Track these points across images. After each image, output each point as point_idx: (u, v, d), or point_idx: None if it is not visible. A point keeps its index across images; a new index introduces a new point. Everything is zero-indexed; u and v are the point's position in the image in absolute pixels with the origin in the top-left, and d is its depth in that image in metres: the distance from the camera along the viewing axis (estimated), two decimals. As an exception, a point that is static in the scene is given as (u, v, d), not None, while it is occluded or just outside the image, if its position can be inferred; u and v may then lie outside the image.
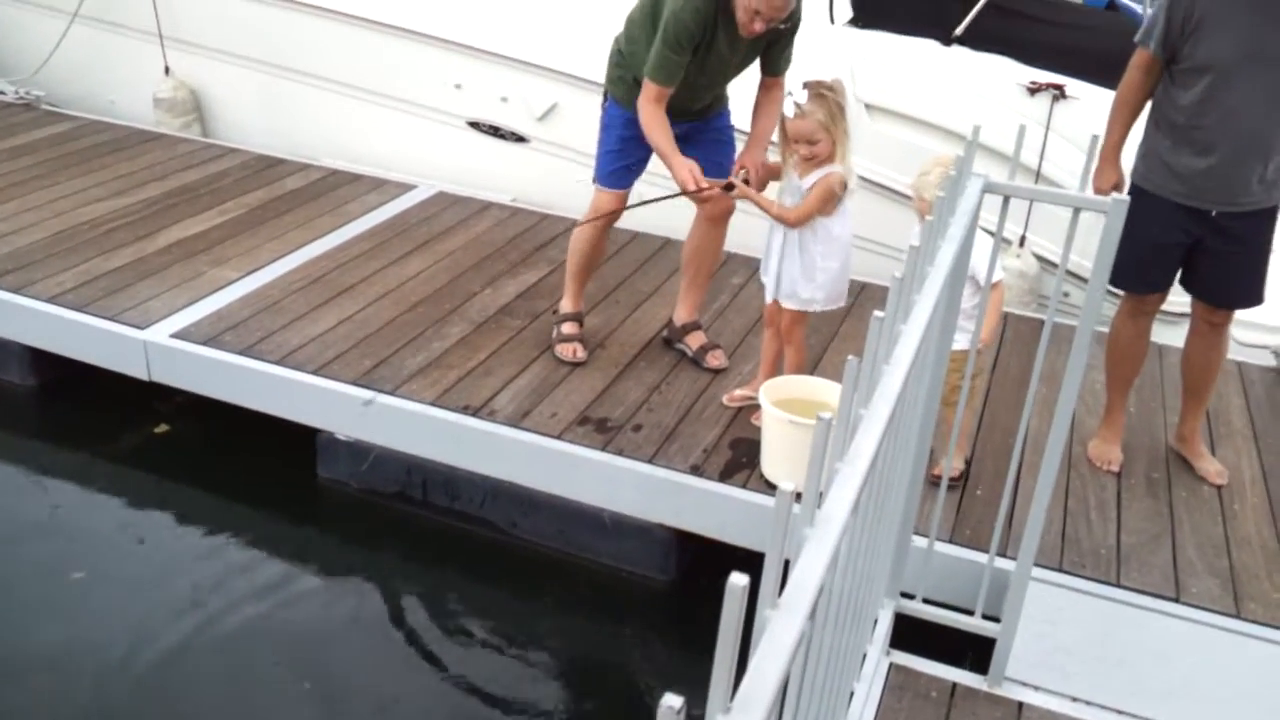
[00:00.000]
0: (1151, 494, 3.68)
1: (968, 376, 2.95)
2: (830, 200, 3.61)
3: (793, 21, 3.75)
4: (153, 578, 3.67)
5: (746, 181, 3.74)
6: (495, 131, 5.92)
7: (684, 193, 3.75)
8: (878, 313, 1.78)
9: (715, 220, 4.17)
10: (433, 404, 3.89)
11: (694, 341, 4.33)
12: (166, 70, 6.60)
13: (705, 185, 3.71)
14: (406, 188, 5.89)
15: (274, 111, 6.60)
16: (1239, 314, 5.07)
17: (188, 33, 6.60)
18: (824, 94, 3.52)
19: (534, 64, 5.68)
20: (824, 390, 3.58)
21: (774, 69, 3.90)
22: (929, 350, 2.49)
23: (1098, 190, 3.74)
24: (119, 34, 6.76)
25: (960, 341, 3.31)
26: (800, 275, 3.75)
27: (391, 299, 4.64)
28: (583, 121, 5.64)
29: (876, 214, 5.04)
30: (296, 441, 4.12)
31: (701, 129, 4.01)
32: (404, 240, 5.24)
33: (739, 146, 4.03)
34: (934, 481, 3.51)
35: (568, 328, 4.34)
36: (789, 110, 3.53)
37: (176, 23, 6.60)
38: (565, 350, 4.27)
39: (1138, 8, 11.80)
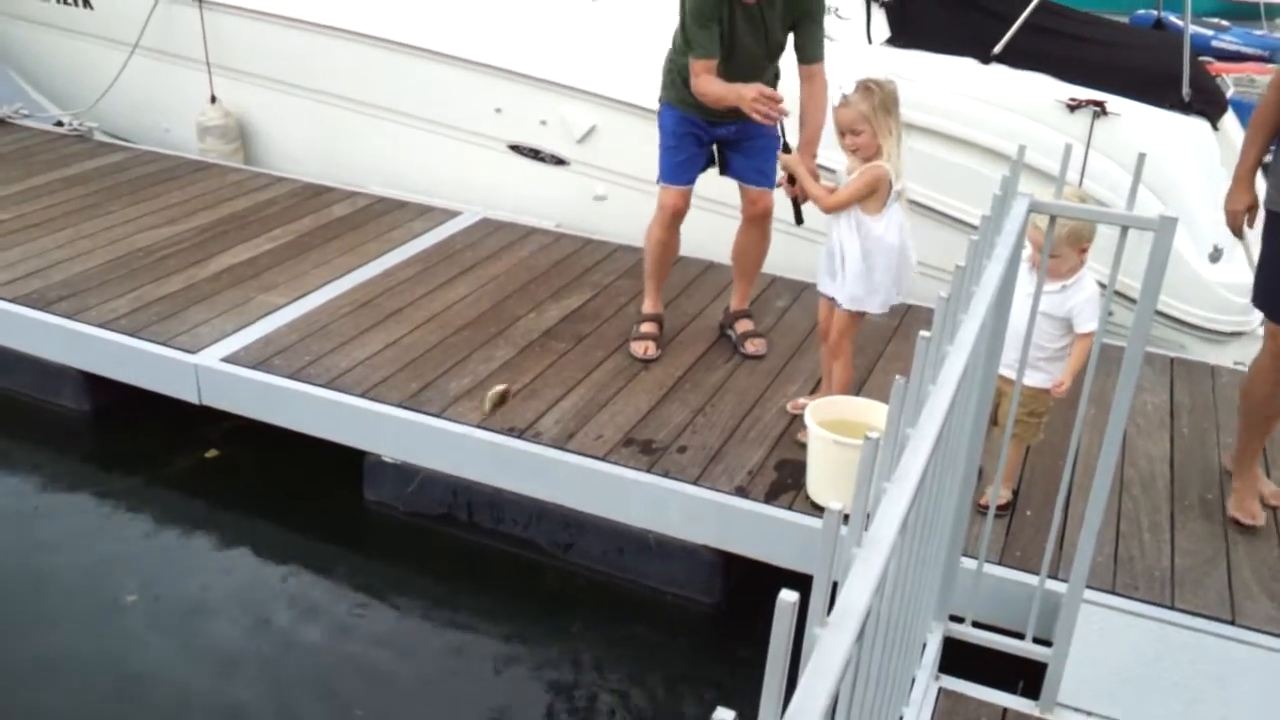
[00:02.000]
0: (1206, 516, 3.62)
1: (1012, 413, 2.93)
2: (871, 193, 3.64)
3: (812, 4, 4.00)
4: (203, 602, 3.71)
5: (792, 181, 3.86)
6: (536, 154, 5.97)
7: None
8: (924, 333, 1.78)
9: (755, 220, 4.45)
10: (478, 426, 3.91)
11: (740, 328, 4.63)
12: (213, 99, 6.71)
13: (777, 98, 3.85)
14: (451, 214, 5.95)
15: (320, 138, 6.69)
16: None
17: (235, 60, 6.71)
18: (870, 88, 3.60)
19: (573, 87, 5.73)
20: (870, 411, 3.56)
21: (807, 55, 4.09)
22: (976, 370, 2.48)
23: (1230, 213, 3.65)
24: (173, 63, 6.89)
25: (1037, 379, 3.30)
26: (841, 271, 3.78)
27: (437, 323, 4.68)
28: (622, 143, 5.70)
29: (919, 234, 4.99)
30: (344, 465, 4.16)
31: (747, 133, 4.20)
32: (449, 265, 5.29)
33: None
34: (981, 510, 3.49)
35: (645, 327, 4.59)
36: (836, 99, 3.65)
37: (224, 51, 6.71)
38: (637, 347, 4.50)
39: (1196, 29, 11.65)
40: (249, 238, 5.49)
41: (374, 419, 4.01)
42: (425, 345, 4.47)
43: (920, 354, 1.79)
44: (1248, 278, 5.01)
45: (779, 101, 3.84)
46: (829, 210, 3.72)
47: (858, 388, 4.21)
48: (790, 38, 4.13)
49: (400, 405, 4.02)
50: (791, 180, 3.88)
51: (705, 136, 4.29)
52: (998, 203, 2.34)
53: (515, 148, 6.05)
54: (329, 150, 6.70)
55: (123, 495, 4.24)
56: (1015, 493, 3.66)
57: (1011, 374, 3.39)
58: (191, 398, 4.34)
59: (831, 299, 3.84)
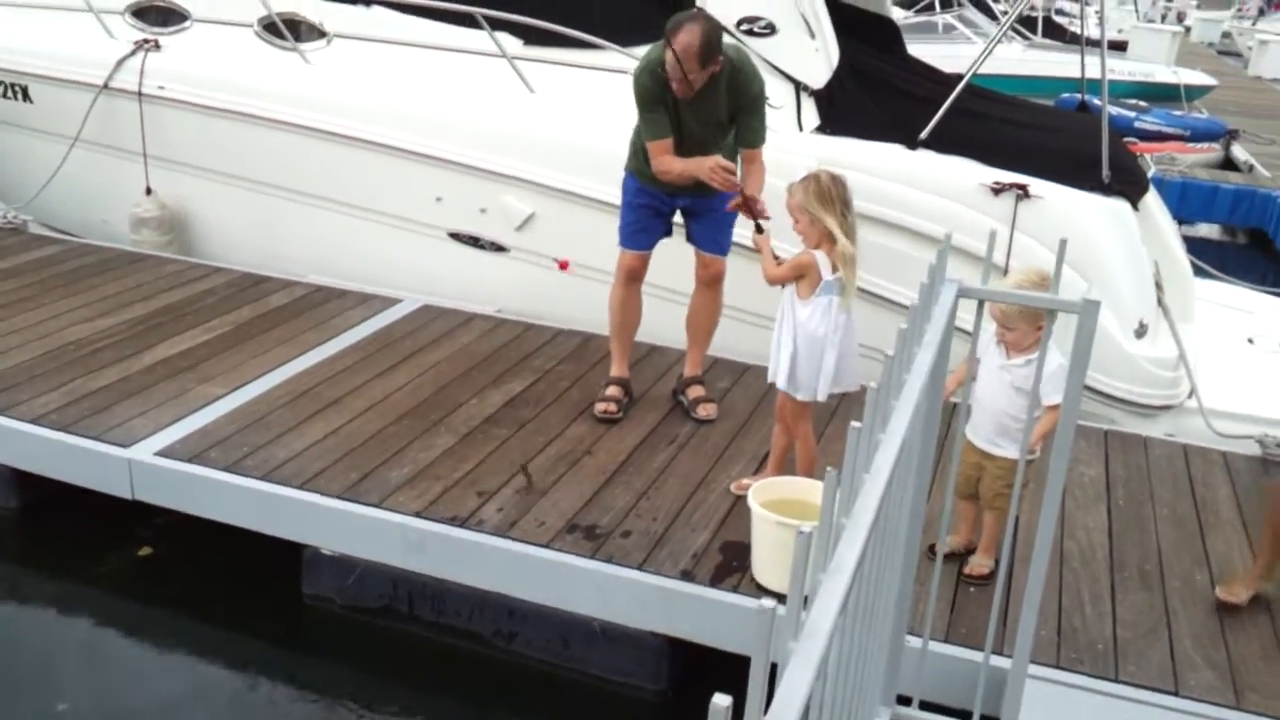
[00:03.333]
0: (1145, 586, 3.67)
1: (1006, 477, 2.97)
2: (798, 277, 3.80)
3: (749, 95, 4.26)
4: (137, 709, 3.60)
5: (761, 229, 4.05)
6: (475, 242, 6.00)
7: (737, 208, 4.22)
8: (854, 423, 1.80)
9: (709, 284, 4.67)
10: (418, 515, 3.86)
11: (692, 394, 4.78)
12: (148, 190, 6.68)
13: (731, 169, 4.20)
14: (392, 301, 5.94)
15: (259, 228, 6.67)
16: (1220, 404, 5.15)
17: (173, 152, 6.69)
18: (807, 179, 3.80)
19: (512, 176, 5.79)
20: (814, 491, 3.57)
21: (746, 141, 4.36)
22: (912, 455, 2.51)
23: None
24: (111, 156, 6.85)
25: (1013, 451, 3.38)
26: (775, 349, 3.91)
27: (377, 411, 4.64)
28: (559, 230, 5.76)
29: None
30: (282, 558, 4.08)
31: (702, 205, 4.49)
32: (389, 353, 5.27)
33: None
34: (968, 580, 3.52)
35: (610, 390, 4.76)
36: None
37: (162, 143, 6.70)
38: (599, 407, 4.69)
39: (1119, 110, 12.08)
40: (185, 329, 5.43)
41: (312, 511, 3.95)
42: (365, 434, 4.43)
43: (852, 443, 1.81)
44: (1173, 351, 5.17)
45: (732, 172, 4.15)
46: (769, 281, 3.92)
47: (792, 468, 4.22)
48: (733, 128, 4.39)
49: (339, 496, 3.97)
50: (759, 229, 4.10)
51: (664, 207, 4.57)
52: (925, 290, 2.39)
53: (455, 235, 6.07)
54: (267, 240, 6.68)
55: (54, 598, 4.12)
56: (997, 562, 3.67)
57: (989, 447, 3.45)
58: (124, 493, 4.24)
59: None
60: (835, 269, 3.79)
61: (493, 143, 5.85)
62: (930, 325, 2.38)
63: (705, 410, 4.69)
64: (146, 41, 6.68)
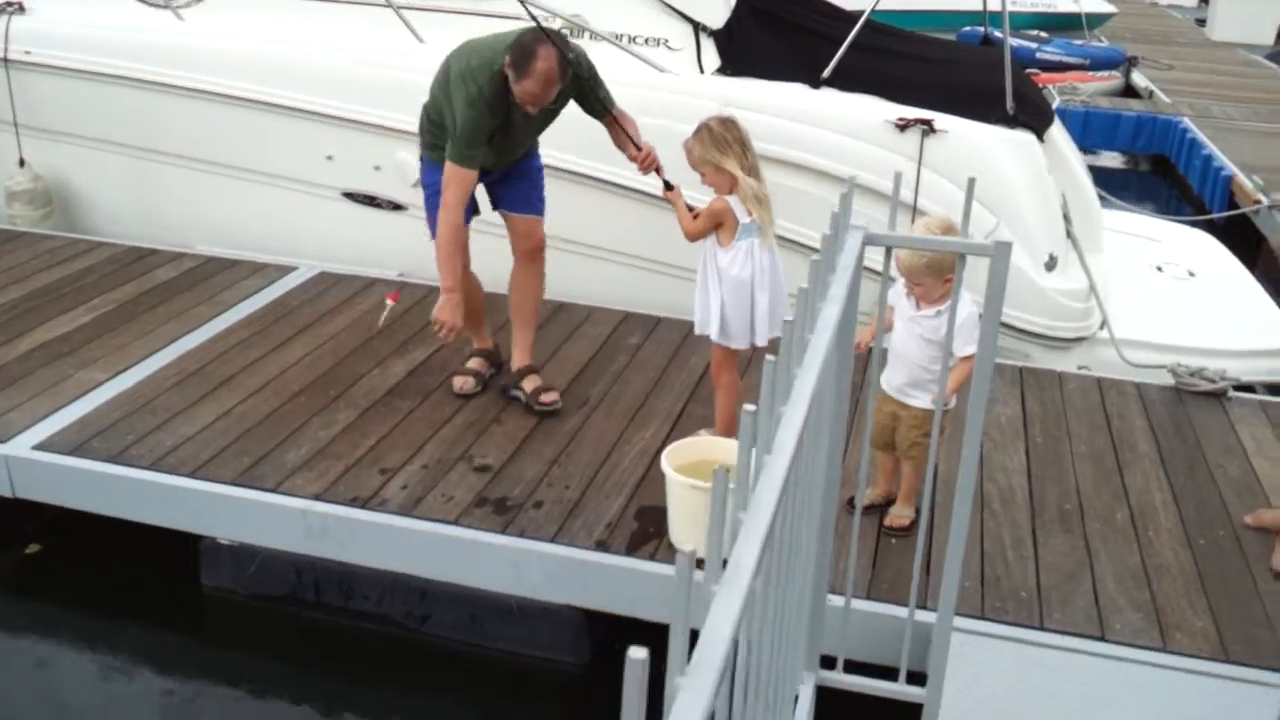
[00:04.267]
0: (1066, 529, 3.63)
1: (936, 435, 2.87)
2: (716, 225, 3.70)
3: (584, 77, 3.94)
4: (36, 712, 3.39)
5: (670, 186, 3.91)
6: (371, 201, 5.75)
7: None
8: (770, 357, 1.70)
9: (529, 255, 4.28)
10: (318, 498, 3.67)
11: (529, 384, 4.32)
12: (21, 162, 6.29)
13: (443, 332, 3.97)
14: (286, 270, 5.67)
15: (143, 198, 6.33)
16: (1132, 334, 5.15)
17: (47, 120, 6.31)
18: (700, 129, 3.69)
19: (403, 130, 5.53)
20: (727, 450, 3.45)
21: (600, 112, 4.10)
22: (824, 405, 2.39)
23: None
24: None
25: (924, 401, 3.30)
26: (699, 303, 3.82)
27: (273, 389, 4.42)
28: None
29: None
30: (178, 549, 3.86)
31: (513, 169, 4.20)
32: (285, 325, 5.02)
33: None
34: (889, 532, 3.45)
35: (470, 363, 4.48)
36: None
37: (36, 111, 6.31)
38: (455, 382, 4.40)
39: (1020, 42, 12.02)
40: (63, 310, 5.12)
41: (204, 500, 3.74)
42: (259, 415, 4.20)
43: (768, 378, 1.70)
44: (1083, 283, 5.14)
45: (655, 163, 4.00)
46: (689, 238, 3.79)
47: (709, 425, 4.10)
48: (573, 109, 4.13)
49: (232, 483, 3.76)
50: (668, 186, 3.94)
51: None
52: (828, 240, 2.25)
53: (350, 195, 5.82)
54: (153, 210, 6.34)
55: (-68, 605, 3.87)
56: (917, 511, 3.59)
57: (902, 398, 3.36)
58: (3, 490, 3.98)
59: None
60: (749, 212, 3.67)
61: (382, 96, 5.59)
62: (835, 276, 2.25)
63: (547, 399, 4.24)
64: (10, 4, 6.27)
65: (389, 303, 4.48)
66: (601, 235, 5.42)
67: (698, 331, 3.82)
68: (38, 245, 5.94)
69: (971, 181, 2.61)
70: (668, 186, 3.89)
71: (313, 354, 4.73)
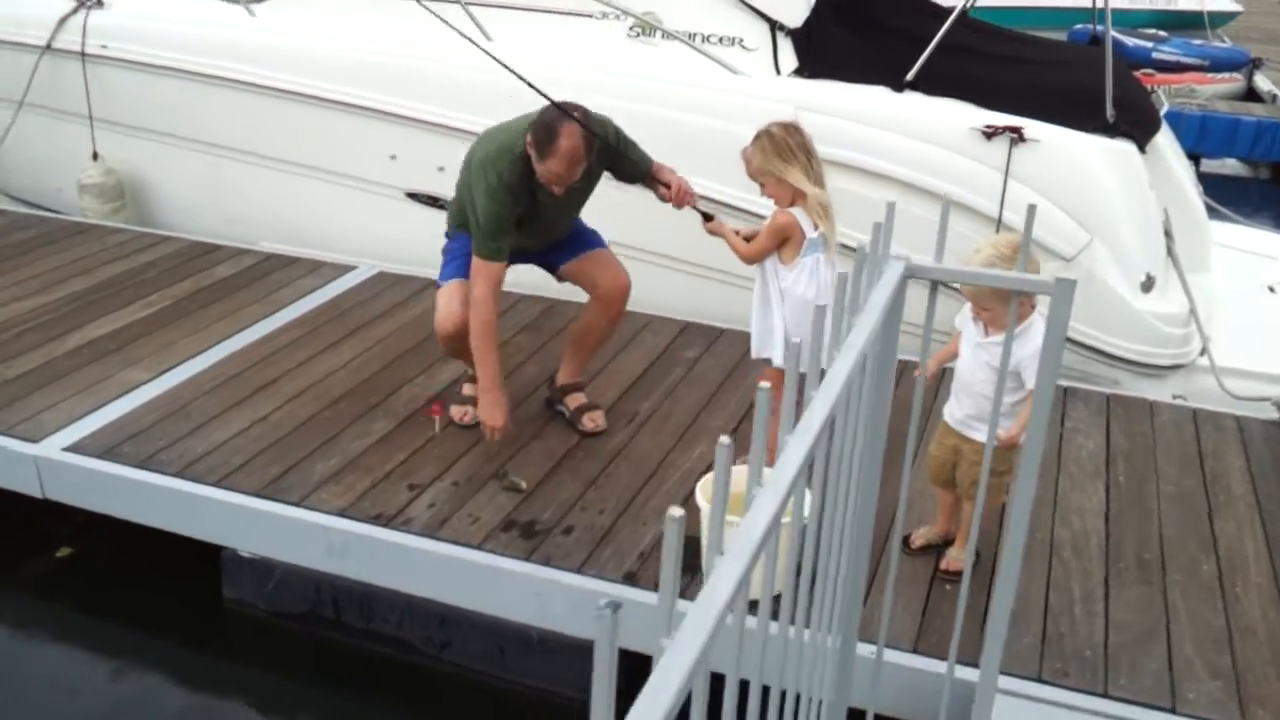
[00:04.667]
0: (1143, 579, 3.28)
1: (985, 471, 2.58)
2: (782, 241, 3.43)
3: (611, 147, 3.69)
4: (57, 715, 3.31)
5: (709, 217, 3.65)
6: (434, 202, 5.61)
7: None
8: (763, 384, 1.48)
9: (611, 301, 3.94)
10: (342, 513, 3.52)
11: (573, 402, 4.10)
12: (95, 155, 6.31)
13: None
14: (345, 269, 5.57)
15: (212, 193, 6.31)
16: (1235, 362, 4.73)
17: (121, 114, 6.33)
18: (760, 136, 3.43)
19: (468, 130, 5.37)
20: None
21: (642, 172, 3.82)
22: (847, 437, 2.13)
23: None
24: (59, 120, 6.49)
25: (986, 434, 3.00)
26: (757, 324, 3.57)
27: (312, 394, 4.28)
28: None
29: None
30: (203, 559, 3.75)
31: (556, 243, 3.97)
32: (336, 326, 4.90)
33: None
34: (945, 576, 3.17)
35: (468, 388, 4.15)
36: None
37: (110, 105, 6.33)
38: (457, 411, 4.08)
39: (1136, 41, 11.37)
40: (121, 305, 5.08)
41: (227, 510, 3.61)
42: (295, 422, 4.07)
43: (762, 404, 1.52)
44: (1183, 306, 4.73)
45: (687, 197, 3.73)
46: (748, 262, 3.53)
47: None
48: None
49: (256, 494, 3.62)
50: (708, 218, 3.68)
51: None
52: (857, 265, 1.99)
53: (413, 195, 5.69)
54: (221, 206, 6.32)
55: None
56: (978, 555, 3.28)
57: (966, 430, 3.07)
58: (35, 492, 3.92)
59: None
60: (815, 225, 3.40)
61: (446, 95, 5.45)
62: (866, 311, 1.99)
63: (593, 420, 4.01)
64: (89, -1, 6.30)
65: (435, 419, 4.05)
66: (662, 241, 5.19)
67: (755, 355, 3.57)
68: (106, 239, 5.94)
69: (1031, 209, 2.30)
70: (707, 218, 3.62)
71: (360, 358, 4.60)
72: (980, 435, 3.07)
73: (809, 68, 5.01)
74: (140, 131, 6.35)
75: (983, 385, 3.02)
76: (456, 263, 3.82)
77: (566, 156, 3.44)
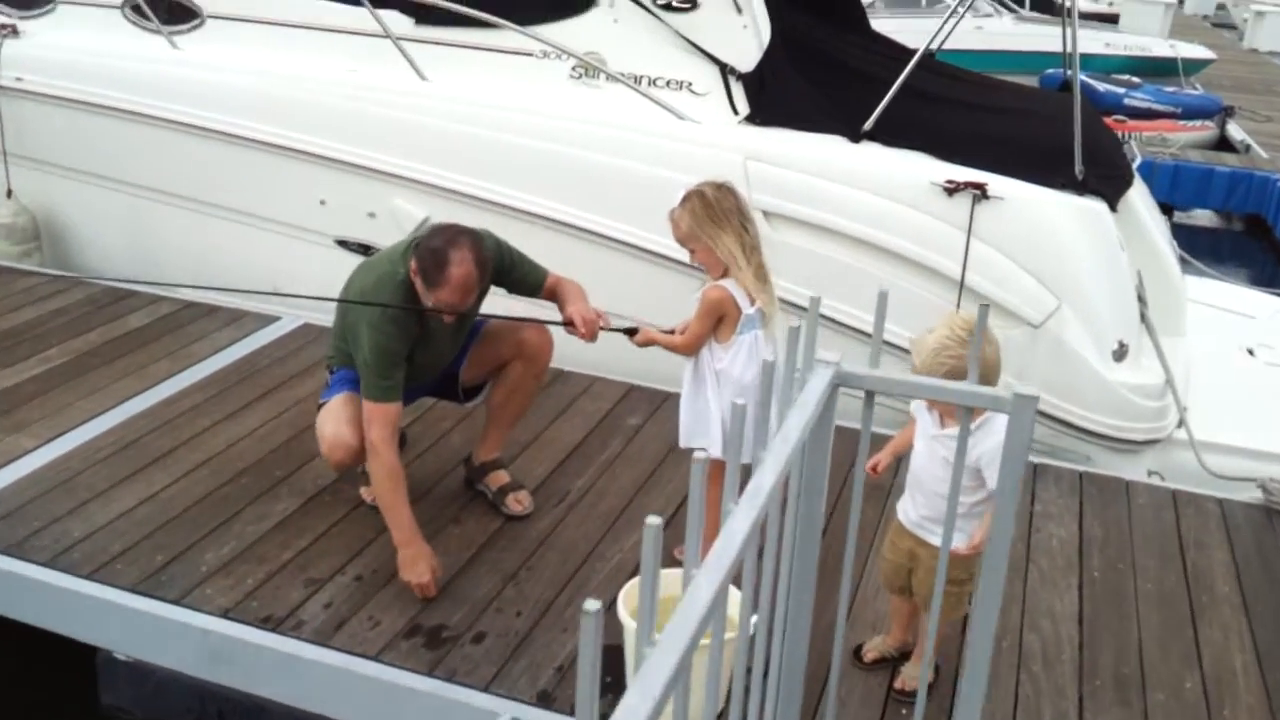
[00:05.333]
0: (1121, 699, 2.94)
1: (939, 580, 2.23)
2: (713, 320, 3.06)
3: (504, 264, 3.41)
4: None
5: (633, 332, 3.23)
6: (365, 250, 5.24)
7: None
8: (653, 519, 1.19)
9: (536, 354, 3.58)
10: (226, 614, 3.13)
11: (495, 481, 3.72)
12: (9, 193, 5.92)
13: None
14: (268, 320, 5.18)
15: (131, 236, 5.93)
16: (1215, 435, 4.42)
17: (36, 150, 5.96)
18: (690, 197, 3.07)
19: (400, 175, 5.04)
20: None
21: (533, 286, 3.50)
22: (770, 563, 1.79)
23: None
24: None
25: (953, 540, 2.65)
26: (688, 413, 3.18)
27: (212, 467, 3.89)
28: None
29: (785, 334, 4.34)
30: (80, 658, 3.34)
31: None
32: (248, 387, 4.51)
33: None
34: (899, 696, 2.82)
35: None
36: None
37: (23, 140, 5.95)
38: (367, 494, 3.66)
39: (1107, 87, 11.12)
40: (17, 360, 4.66)
41: (100, 608, 3.21)
42: (187, 500, 3.68)
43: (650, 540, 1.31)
44: (1158, 376, 4.43)
45: (596, 327, 3.33)
46: (689, 353, 3.14)
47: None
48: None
49: (133, 588, 3.22)
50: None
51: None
52: (770, 368, 1.66)
53: (343, 243, 5.32)
54: (142, 249, 5.93)
55: None
56: (937, 670, 2.92)
57: (922, 533, 2.73)
58: (-108, 579, 3.50)
59: None
60: (751, 299, 3.06)
61: (379, 138, 5.11)
62: (790, 422, 1.64)
63: (518, 502, 3.65)
64: (3, 27, 5.92)
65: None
66: (602, 294, 4.86)
67: (683, 444, 3.19)
68: (15, 282, 5.53)
69: (984, 309, 1.96)
70: (630, 334, 3.22)
71: (269, 424, 4.21)
72: (939, 540, 2.71)
73: (760, 114, 4.70)
74: (57, 169, 5.99)
75: (938, 483, 2.68)
76: (339, 385, 3.43)
77: (460, 285, 3.11)
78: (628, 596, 2.80)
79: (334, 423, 3.33)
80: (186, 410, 4.30)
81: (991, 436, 2.56)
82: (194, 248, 5.73)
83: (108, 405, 4.31)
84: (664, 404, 4.45)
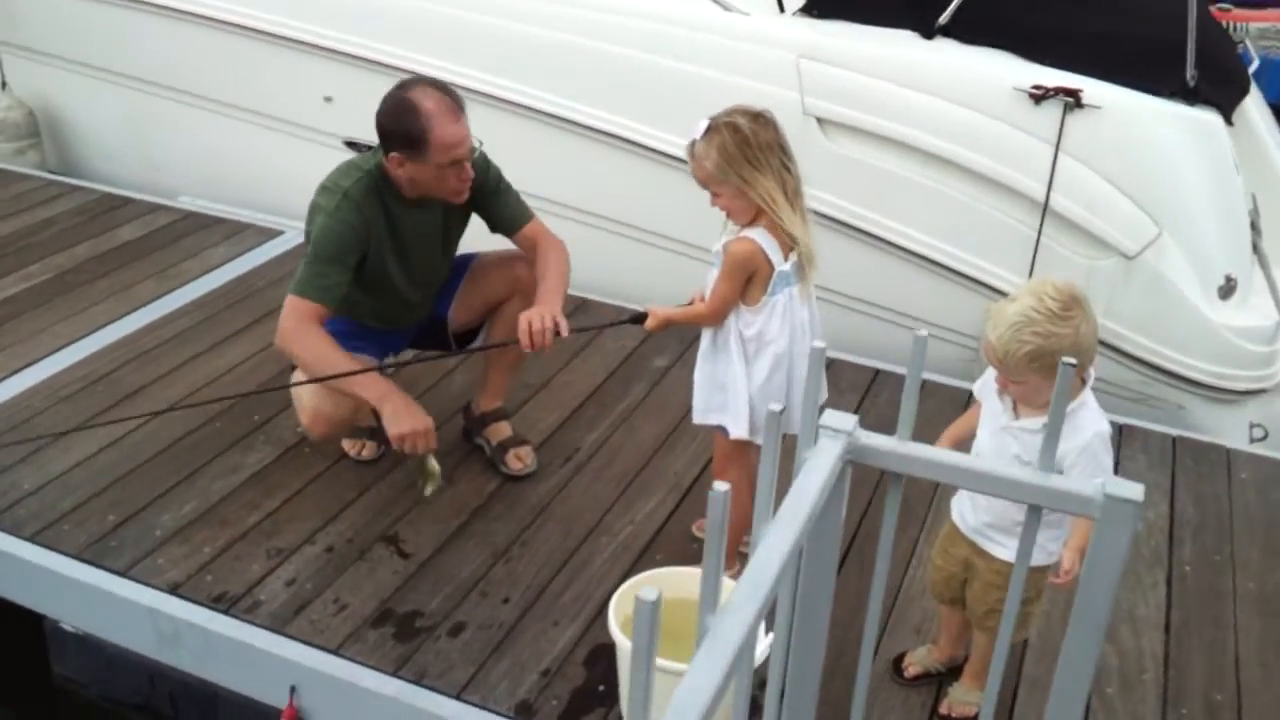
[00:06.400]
0: (1213, 731, 2.45)
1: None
2: (743, 278, 2.51)
3: (488, 173, 2.95)
4: None
5: (641, 318, 2.71)
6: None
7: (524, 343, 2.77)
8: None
9: (532, 294, 3.00)
10: (176, 590, 2.75)
11: (495, 435, 3.27)
12: (3, 84, 5.50)
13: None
14: (270, 234, 4.74)
15: (134, 135, 5.50)
16: None
17: (33, 39, 5.52)
18: (717, 129, 2.44)
19: (415, 70, 4.51)
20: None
21: (512, 224, 2.99)
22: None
23: None
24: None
25: (1011, 549, 2.16)
26: (704, 380, 2.66)
27: (186, 407, 3.50)
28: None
29: (840, 261, 3.79)
30: (29, 624, 3.01)
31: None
32: (239, 312, 4.09)
33: None
34: (900, 679, 2.44)
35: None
36: (699, 130, 2.48)
37: (19, 27, 5.51)
38: (350, 445, 3.28)
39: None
40: (-4, 276, 4.30)
41: (43, 575, 2.86)
42: (153, 447, 3.29)
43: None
44: (1269, 318, 3.83)
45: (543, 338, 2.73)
46: (716, 321, 2.59)
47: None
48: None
49: (79, 555, 2.86)
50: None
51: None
52: (816, 358, 1.16)
53: (352, 144, 4.82)
54: (145, 149, 5.51)
55: None
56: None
57: (982, 541, 2.24)
58: None
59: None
60: (786, 252, 2.52)
61: (390, 30, 4.57)
62: (799, 497, 1.15)
63: (519, 459, 3.20)
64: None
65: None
66: (642, 213, 4.35)
67: (699, 419, 2.69)
68: (8, 187, 5.14)
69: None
70: (638, 320, 2.69)
71: (255, 357, 3.79)
72: (1002, 552, 2.22)
73: (818, 4, 4.08)
74: (56, 60, 5.54)
75: None
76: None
77: (443, 113, 2.69)
78: (620, 601, 2.34)
79: (313, 389, 2.87)
80: (168, 339, 3.90)
81: (1080, 432, 2.05)
82: (198, 149, 5.30)
83: (84, 331, 3.93)
84: (695, 342, 3.94)
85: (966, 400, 3.66)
